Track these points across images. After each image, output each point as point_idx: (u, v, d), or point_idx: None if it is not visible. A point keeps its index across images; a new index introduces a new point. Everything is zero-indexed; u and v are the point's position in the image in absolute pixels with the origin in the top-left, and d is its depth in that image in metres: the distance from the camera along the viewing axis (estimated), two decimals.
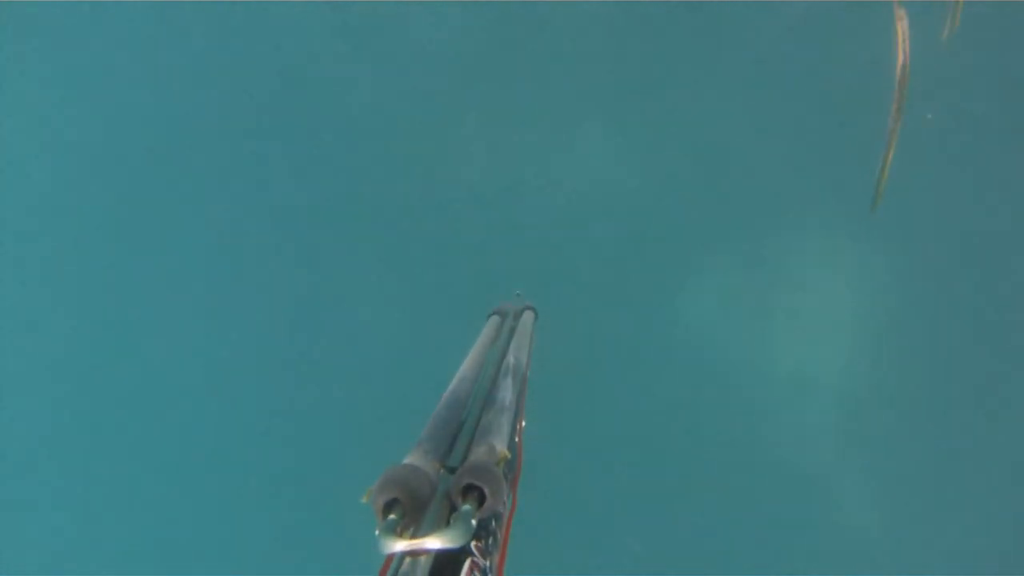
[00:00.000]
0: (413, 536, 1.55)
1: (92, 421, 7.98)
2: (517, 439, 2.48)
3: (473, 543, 1.62)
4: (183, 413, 7.89)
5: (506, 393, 2.48)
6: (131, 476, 7.84)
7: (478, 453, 2.03)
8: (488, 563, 1.65)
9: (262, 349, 8.12)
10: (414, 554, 1.52)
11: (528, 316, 3.74)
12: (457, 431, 2.25)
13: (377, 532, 1.55)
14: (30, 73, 8.37)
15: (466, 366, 2.77)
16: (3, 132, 8.23)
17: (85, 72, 8.40)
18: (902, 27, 3.42)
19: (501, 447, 2.07)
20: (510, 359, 2.85)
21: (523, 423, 2.66)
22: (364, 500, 1.74)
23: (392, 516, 1.63)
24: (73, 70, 8.40)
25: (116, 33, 8.35)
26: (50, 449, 8.01)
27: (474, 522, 1.59)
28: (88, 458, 7.96)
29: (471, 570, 1.57)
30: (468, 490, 1.74)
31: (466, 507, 1.66)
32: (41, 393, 8.02)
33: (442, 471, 1.96)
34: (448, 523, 1.62)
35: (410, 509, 1.69)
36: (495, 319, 3.62)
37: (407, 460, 1.94)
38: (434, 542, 1.49)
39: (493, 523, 1.80)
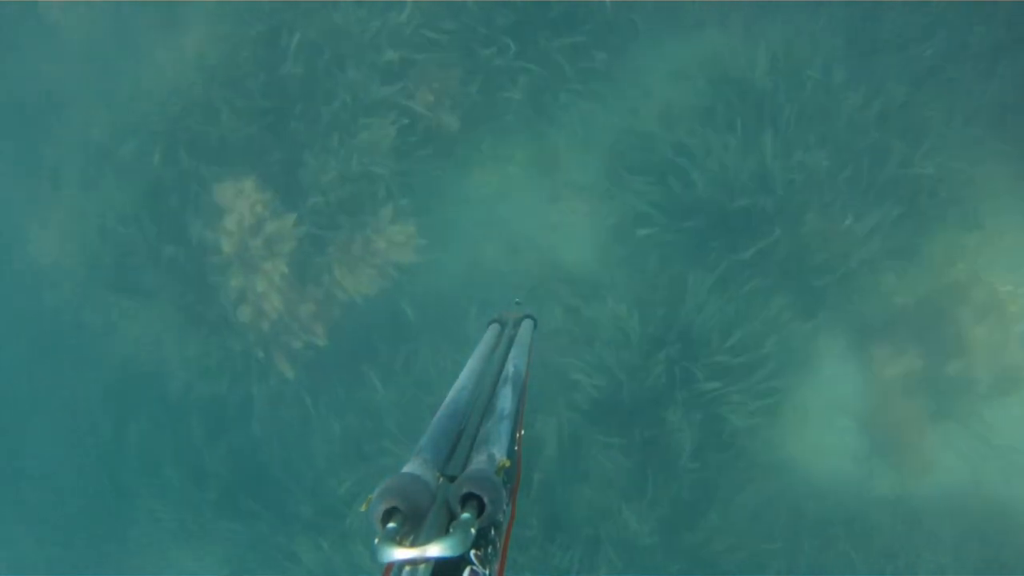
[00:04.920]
0: (412, 545, 1.54)
1: None
2: (517, 448, 2.48)
3: (472, 552, 1.62)
4: None
5: (506, 402, 2.48)
6: None
7: (478, 462, 2.03)
8: (488, 572, 1.65)
9: None
10: (413, 563, 1.51)
11: (527, 324, 3.73)
12: (456, 440, 2.24)
13: (376, 541, 1.55)
14: None
15: (465, 374, 2.76)
16: None
17: None
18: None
19: (501, 456, 2.07)
20: (509, 367, 2.84)
21: (522, 432, 2.65)
22: (363, 509, 1.74)
23: (391, 525, 1.63)
24: None
25: None
26: None
27: (473, 531, 1.59)
28: None
29: None
30: (467, 499, 1.74)
31: (465, 515, 1.66)
32: None
33: (441, 480, 1.95)
34: (447, 532, 1.62)
35: (409, 518, 1.69)
36: (494, 327, 3.62)
37: (406, 469, 1.94)
38: (433, 550, 1.50)
39: (493, 532, 1.80)
